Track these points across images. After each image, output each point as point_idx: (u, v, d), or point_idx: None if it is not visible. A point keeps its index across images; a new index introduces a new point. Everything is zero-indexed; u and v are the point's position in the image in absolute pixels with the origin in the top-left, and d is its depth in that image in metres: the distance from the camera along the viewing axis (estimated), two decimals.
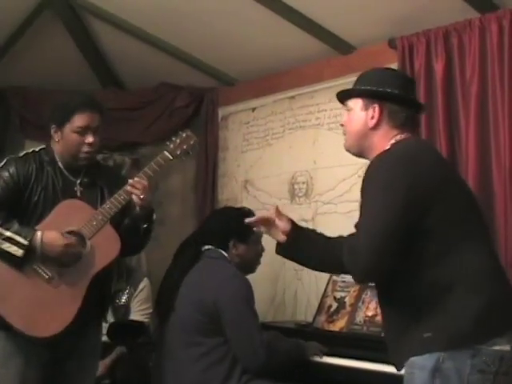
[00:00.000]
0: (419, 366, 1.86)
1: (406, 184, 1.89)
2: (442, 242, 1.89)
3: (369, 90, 2.12)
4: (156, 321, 3.11)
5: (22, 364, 2.55)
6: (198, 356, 2.71)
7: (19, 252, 2.48)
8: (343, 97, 2.22)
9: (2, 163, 2.66)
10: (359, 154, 2.19)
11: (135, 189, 2.60)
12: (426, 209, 1.89)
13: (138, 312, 3.81)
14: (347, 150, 2.22)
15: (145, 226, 2.69)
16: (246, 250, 2.99)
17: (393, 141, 2.07)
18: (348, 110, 2.18)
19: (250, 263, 3.03)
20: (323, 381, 2.83)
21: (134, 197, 2.61)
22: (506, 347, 1.85)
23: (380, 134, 2.10)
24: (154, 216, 2.75)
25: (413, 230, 1.88)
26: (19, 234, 2.49)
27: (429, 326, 1.86)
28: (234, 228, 2.96)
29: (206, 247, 2.94)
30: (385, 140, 2.08)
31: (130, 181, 2.62)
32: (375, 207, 1.90)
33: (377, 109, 2.10)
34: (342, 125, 2.23)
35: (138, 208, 2.65)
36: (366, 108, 2.12)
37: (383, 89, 2.11)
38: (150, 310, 3.86)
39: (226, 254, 2.92)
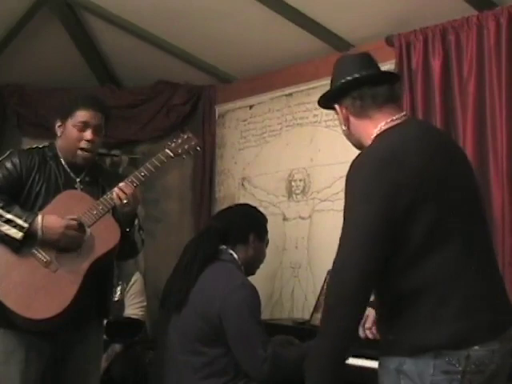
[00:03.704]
0: (385, 369, 1.84)
1: (382, 194, 1.78)
2: (418, 248, 1.78)
3: (324, 96, 2.00)
4: (161, 316, 3.03)
5: (23, 361, 2.54)
6: (198, 366, 2.65)
7: (19, 235, 2.48)
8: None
9: (6, 154, 2.68)
10: (360, 148, 2.08)
11: (122, 192, 2.60)
12: (408, 215, 1.76)
13: (133, 305, 3.81)
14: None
15: (127, 230, 2.67)
16: (260, 247, 2.96)
17: (377, 129, 1.92)
18: None
19: (258, 262, 3.00)
20: None
21: (115, 199, 2.60)
22: (474, 347, 1.76)
23: (362, 126, 1.97)
24: (136, 221, 2.74)
25: (395, 237, 1.78)
26: (20, 217, 2.50)
27: (394, 329, 1.83)
28: (256, 222, 2.98)
29: (222, 247, 2.85)
30: (370, 128, 1.94)
31: (121, 184, 2.62)
32: (352, 222, 1.86)
33: (338, 110, 1.99)
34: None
35: (119, 211, 2.63)
36: (336, 112, 2.02)
37: (336, 84, 1.95)
38: (145, 303, 3.86)
39: (236, 257, 2.84)
